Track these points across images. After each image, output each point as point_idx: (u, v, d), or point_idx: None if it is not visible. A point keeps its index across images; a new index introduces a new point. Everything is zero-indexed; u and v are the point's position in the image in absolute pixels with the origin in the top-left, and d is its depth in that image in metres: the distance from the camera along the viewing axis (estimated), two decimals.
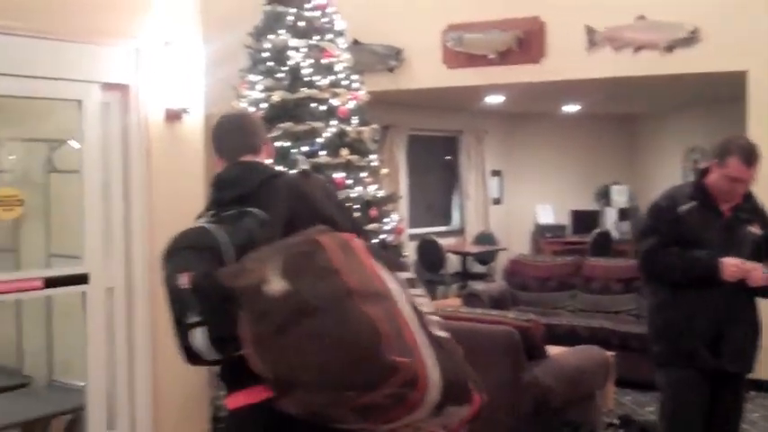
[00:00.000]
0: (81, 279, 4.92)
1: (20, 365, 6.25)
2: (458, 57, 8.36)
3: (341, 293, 2.27)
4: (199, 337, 2.45)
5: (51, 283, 4.81)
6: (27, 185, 6.03)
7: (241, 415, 2.61)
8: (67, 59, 4.72)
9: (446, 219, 12.72)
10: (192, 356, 2.51)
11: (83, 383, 5.88)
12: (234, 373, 2.57)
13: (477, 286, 9.17)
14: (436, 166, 12.93)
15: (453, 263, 11.56)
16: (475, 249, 11.75)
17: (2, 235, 6.16)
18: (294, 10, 6.55)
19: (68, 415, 5.69)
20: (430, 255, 10.80)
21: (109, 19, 4.90)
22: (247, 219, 2.64)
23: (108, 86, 4.93)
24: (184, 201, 4.91)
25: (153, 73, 5.04)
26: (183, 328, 2.47)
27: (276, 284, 2.27)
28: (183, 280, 2.48)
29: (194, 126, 5.34)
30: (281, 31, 6.53)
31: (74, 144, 5.30)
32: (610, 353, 6.36)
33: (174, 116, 5.16)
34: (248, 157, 2.87)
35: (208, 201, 2.78)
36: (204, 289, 2.47)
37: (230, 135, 2.94)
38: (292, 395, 2.27)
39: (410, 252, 9.98)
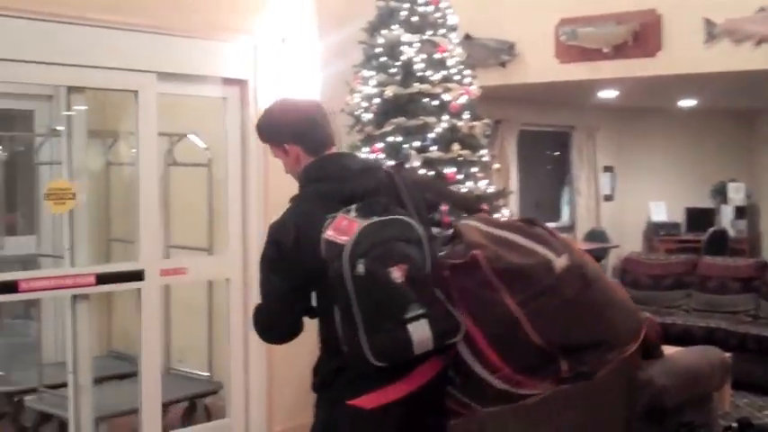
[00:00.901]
0: (136, 276, 4.89)
1: (138, 354, 6.44)
2: (571, 51, 8.22)
3: (596, 264, 2.59)
4: (423, 330, 2.43)
5: (104, 279, 4.78)
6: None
7: (378, 413, 2.60)
8: (190, 56, 4.84)
9: (554, 215, 12.56)
10: (398, 353, 2.47)
11: (200, 372, 6.05)
12: (364, 375, 2.56)
13: None
14: (545, 162, 12.78)
15: None
16: (586, 246, 11.55)
17: (123, 226, 6.37)
18: (407, 5, 6.54)
19: (184, 402, 5.86)
20: None
21: (228, 16, 5.01)
22: (399, 210, 2.61)
23: (227, 81, 5.04)
24: None
25: (270, 68, 5.13)
26: (400, 324, 2.43)
27: (560, 261, 2.48)
28: (397, 273, 2.43)
29: None
30: (395, 26, 6.54)
31: (193, 138, 5.44)
32: (727, 354, 6.18)
33: None
34: (333, 149, 2.85)
35: (328, 192, 2.66)
36: (423, 280, 2.47)
37: (322, 125, 2.84)
38: (576, 357, 2.52)
39: None
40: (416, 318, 2.42)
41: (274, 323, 2.76)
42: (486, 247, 2.50)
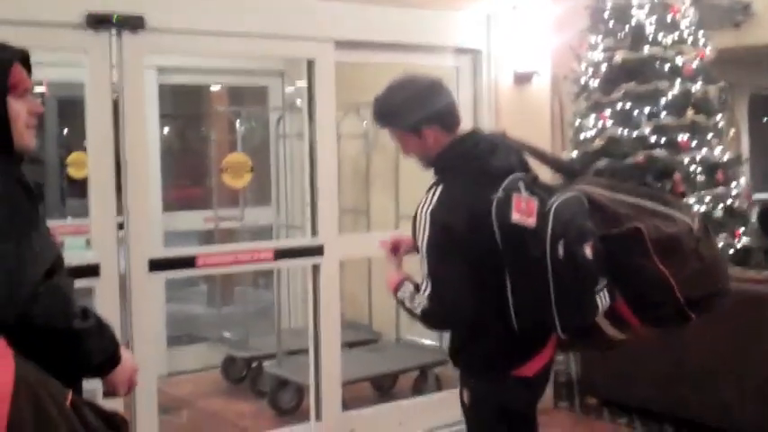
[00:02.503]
0: (315, 251, 4.73)
1: (370, 322, 6.58)
2: None
3: None
4: (606, 298, 2.59)
5: (282, 254, 4.71)
6: (376, 150, 6.31)
7: (535, 378, 2.79)
8: (427, 27, 4.83)
9: None
10: (587, 322, 2.63)
11: (431, 342, 6.10)
12: (530, 343, 2.73)
13: None
14: None
15: None
16: None
17: (352, 197, 6.51)
18: None
19: (415, 372, 5.92)
20: None
21: None
22: (546, 183, 2.76)
23: (460, 51, 4.99)
24: (533, 164, 4.89)
25: (502, 37, 5.04)
26: (592, 296, 2.56)
27: (696, 224, 2.68)
28: (588, 251, 2.52)
29: (542, 88, 5.32)
30: None
31: None
32: None
33: (522, 79, 5.15)
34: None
35: (484, 170, 2.66)
36: (600, 252, 2.56)
37: (454, 100, 2.84)
38: (702, 307, 2.69)
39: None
40: (602, 288, 2.57)
41: (453, 311, 2.66)
42: (640, 219, 2.62)
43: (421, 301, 2.63)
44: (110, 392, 2.15)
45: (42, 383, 1.83)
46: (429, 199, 2.64)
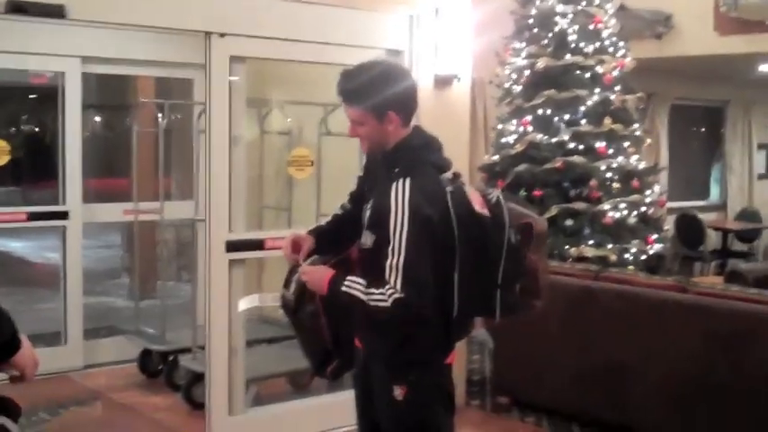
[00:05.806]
0: None
1: None
2: (731, 23, 7.90)
3: None
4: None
5: None
6: (300, 147, 6.31)
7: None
8: (350, 27, 4.85)
9: (702, 193, 12.15)
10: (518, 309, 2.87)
11: None
12: (458, 331, 2.83)
13: (740, 265, 8.69)
14: (695, 138, 12.40)
15: (712, 240, 11.03)
16: (737, 226, 11.14)
17: (275, 194, 6.50)
18: None
19: None
20: (688, 230, 10.36)
21: None
22: None
23: (385, 53, 5.01)
24: None
25: (425, 39, 5.09)
26: (519, 281, 2.85)
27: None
28: (515, 237, 2.84)
29: (462, 92, 5.37)
30: None
31: None
32: None
33: (443, 82, 5.20)
34: None
35: (440, 163, 2.74)
36: None
37: (417, 95, 2.85)
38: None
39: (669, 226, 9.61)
40: None
41: (426, 303, 2.61)
42: (531, 216, 2.85)
43: (389, 293, 2.55)
44: (17, 377, 2.16)
45: None
46: (400, 190, 2.58)
